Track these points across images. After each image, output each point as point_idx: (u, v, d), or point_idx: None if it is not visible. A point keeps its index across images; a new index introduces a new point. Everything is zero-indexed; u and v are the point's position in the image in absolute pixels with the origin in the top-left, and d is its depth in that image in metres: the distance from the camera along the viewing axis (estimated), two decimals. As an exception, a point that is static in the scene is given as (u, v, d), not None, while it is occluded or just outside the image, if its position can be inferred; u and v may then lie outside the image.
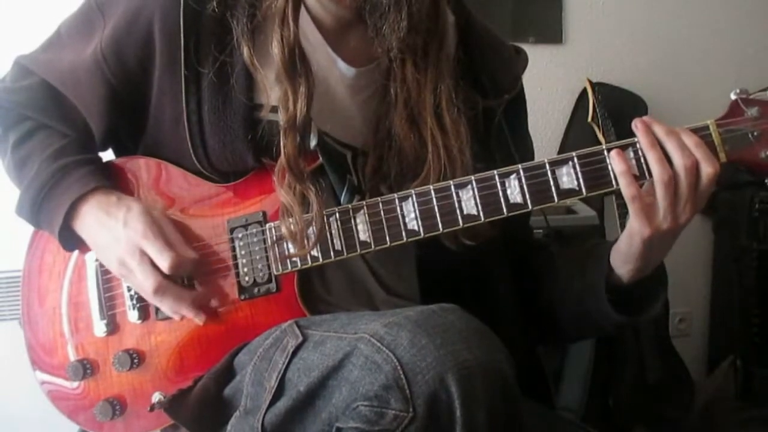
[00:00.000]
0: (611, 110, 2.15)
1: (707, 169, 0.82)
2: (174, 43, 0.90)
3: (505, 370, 0.72)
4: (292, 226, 0.88)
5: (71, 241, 0.97)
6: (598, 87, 2.22)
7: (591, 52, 2.56)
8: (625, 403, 2.22)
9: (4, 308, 1.98)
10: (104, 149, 1.05)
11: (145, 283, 0.91)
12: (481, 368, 0.69)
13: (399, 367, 0.68)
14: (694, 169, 0.82)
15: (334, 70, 0.95)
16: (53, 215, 0.95)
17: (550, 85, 2.53)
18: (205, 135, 0.92)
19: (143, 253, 0.90)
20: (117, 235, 0.91)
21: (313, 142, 0.92)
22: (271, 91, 0.90)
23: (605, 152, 0.85)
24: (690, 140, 0.82)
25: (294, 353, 0.79)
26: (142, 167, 1.00)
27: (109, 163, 1.03)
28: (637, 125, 0.84)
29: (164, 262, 0.89)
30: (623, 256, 0.90)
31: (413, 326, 0.71)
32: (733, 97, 0.85)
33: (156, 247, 0.89)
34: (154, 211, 0.94)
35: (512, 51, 1.06)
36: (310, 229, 0.88)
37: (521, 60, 1.06)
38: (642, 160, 0.84)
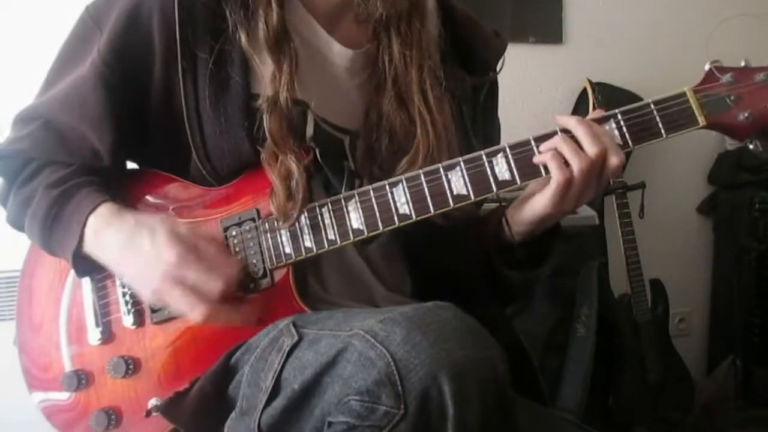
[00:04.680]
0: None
1: (613, 159, 0.85)
2: (172, 36, 0.91)
3: (498, 369, 0.71)
4: (279, 201, 0.88)
5: (86, 265, 0.93)
6: (598, 87, 2.22)
7: (591, 52, 2.56)
8: (625, 403, 2.22)
9: (4, 308, 1.98)
10: (113, 164, 1.01)
11: (192, 313, 0.85)
12: (474, 366, 0.69)
13: (392, 363, 0.68)
14: (602, 158, 0.86)
15: (332, 54, 0.98)
16: (66, 239, 0.92)
17: (550, 85, 2.54)
18: (202, 122, 0.92)
19: (185, 283, 0.84)
20: (149, 263, 0.86)
21: (309, 132, 0.94)
22: (267, 79, 0.91)
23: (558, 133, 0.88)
24: (598, 130, 0.86)
25: (289, 353, 0.79)
26: (136, 178, 1.00)
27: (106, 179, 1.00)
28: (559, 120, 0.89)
29: (215, 289, 0.84)
30: (521, 217, 0.95)
31: (408, 323, 0.71)
32: (707, 67, 0.88)
33: (200, 274, 0.84)
34: (179, 228, 0.88)
35: (492, 33, 1.10)
36: (303, 216, 0.89)
37: (501, 41, 1.09)
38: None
